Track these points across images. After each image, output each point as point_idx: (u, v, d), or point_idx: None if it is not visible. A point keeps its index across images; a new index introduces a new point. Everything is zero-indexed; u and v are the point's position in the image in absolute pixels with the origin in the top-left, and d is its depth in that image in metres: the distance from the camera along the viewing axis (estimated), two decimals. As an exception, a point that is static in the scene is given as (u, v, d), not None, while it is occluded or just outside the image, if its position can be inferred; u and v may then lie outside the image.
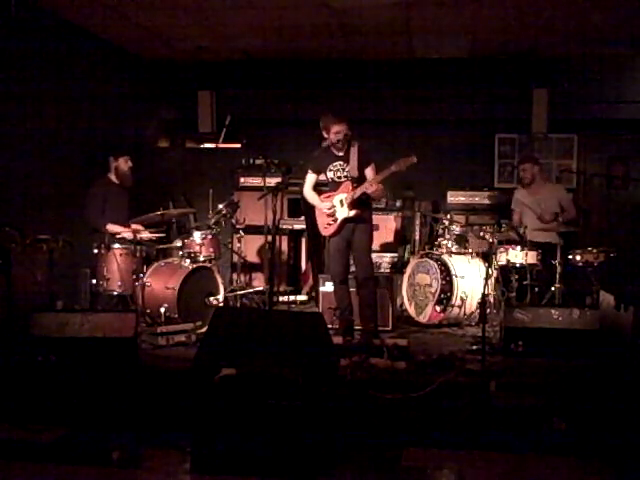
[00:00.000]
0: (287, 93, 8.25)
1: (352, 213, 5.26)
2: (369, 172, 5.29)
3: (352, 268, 5.54)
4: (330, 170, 5.37)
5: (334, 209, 5.32)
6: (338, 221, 5.31)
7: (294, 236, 7.65)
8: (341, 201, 5.29)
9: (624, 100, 7.71)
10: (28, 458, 3.46)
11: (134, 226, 5.89)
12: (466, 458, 3.46)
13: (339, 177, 5.34)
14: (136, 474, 3.40)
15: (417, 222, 7.46)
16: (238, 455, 3.51)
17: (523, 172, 6.58)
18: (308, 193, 5.55)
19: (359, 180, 5.27)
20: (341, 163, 5.32)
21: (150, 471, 3.45)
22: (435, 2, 6.03)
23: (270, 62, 8.11)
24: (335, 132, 5.21)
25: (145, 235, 6.02)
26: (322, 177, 5.53)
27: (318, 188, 5.59)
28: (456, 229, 6.35)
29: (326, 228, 5.41)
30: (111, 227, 5.94)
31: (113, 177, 6.21)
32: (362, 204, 5.30)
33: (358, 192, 5.21)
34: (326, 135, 5.29)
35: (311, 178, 5.53)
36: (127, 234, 5.84)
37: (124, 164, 6.19)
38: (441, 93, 7.99)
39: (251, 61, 8.09)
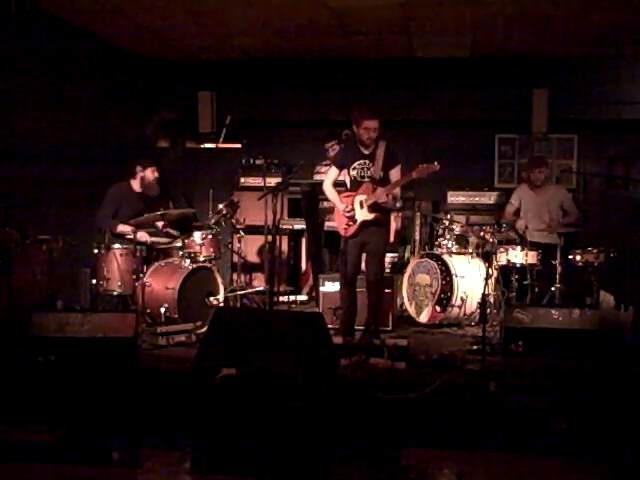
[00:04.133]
0: (287, 93, 8.25)
1: (372, 216, 5.15)
2: (394, 174, 5.18)
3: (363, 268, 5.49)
4: (354, 168, 5.22)
5: (353, 211, 5.21)
6: (357, 223, 5.20)
7: (294, 236, 7.65)
8: (361, 202, 5.18)
9: (624, 100, 7.71)
10: (28, 458, 3.46)
11: (140, 234, 5.89)
12: (466, 458, 3.47)
13: (362, 177, 5.21)
14: (136, 474, 3.40)
15: (417, 222, 7.45)
16: (238, 455, 3.51)
17: (538, 174, 6.48)
18: (329, 189, 5.38)
19: (382, 182, 5.15)
20: (366, 162, 5.18)
21: (150, 471, 3.46)
22: (435, 2, 6.02)
23: (270, 62, 8.11)
24: (365, 127, 5.08)
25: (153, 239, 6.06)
26: (340, 177, 5.45)
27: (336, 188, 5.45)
28: (456, 229, 6.35)
29: (345, 229, 5.28)
30: (122, 227, 5.93)
31: (135, 184, 6.19)
32: (381, 207, 5.20)
33: (371, 200, 5.10)
34: (355, 129, 5.16)
35: (334, 173, 5.37)
36: (140, 234, 5.82)
37: (151, 174, 6.19)
38: (441, 93, 7.99)
39: (251, 61, 8.09)
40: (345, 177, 5.51)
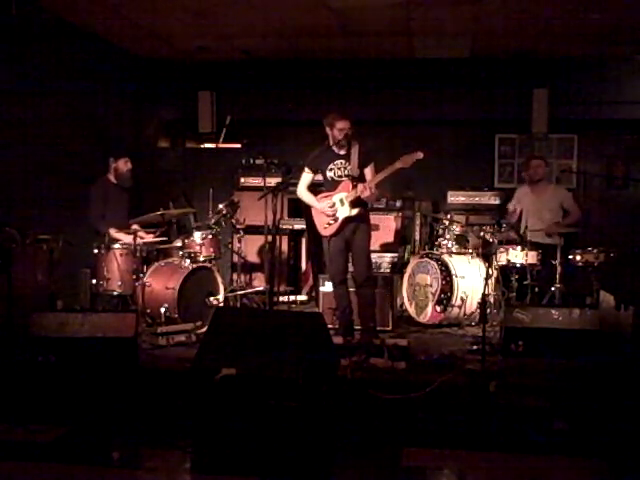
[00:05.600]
0: (287, 93, 8.24)
1: (354, 212, 5.19)
2: (368, 172, 5.25)
3: (350, 268, 5.51)
4: (330, 169, 5.29)
5: (334, 208, 5.25)
6: (339, 221, 5.23)
7: (294, 236, 7.65)
8: (341, 200, 5.23)
9: (624, 100, 7.71)
10: (28, 458, 3.46)
11: (134, 227, 5.89)
12: (466, 458, 3.47)
13: (339, 176, 5.27)
14: (136, 474, 3.40)
15: (417, 222, 7.46)
16: (238, 455, 3.51)
17: (536, 168, 6.44)
18: (304, 193, 5.45)
19: (359, 179, 5.22)
20: (342, 162, 5.26)
21: (150, 471, 3.46)
22: (435, 2, 6.03)
23: (270, 62, 8.11)
24: (339, 128, 5.16)
25: (147, 239, 6.03)
26: (316, 177, 5.48)
27: (311, 188, 5.48)
28: (456, 229, 6.35)
29: (326, 228, 5.30)
30: (113, 233, 5.93)
31: (112, 177, 6.20)
32: (362, 203, 5.25)
33: (352, 196, 5.15)
34: (329, 132, 5.24)
35: (307, 177, 5.42)
36: (129, 239, 5.82)
37: (123, 165, 6.19)
38: (441, 93, 7.99)
39: (251, 61, 8.09)
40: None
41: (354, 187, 5.18)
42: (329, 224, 5.28)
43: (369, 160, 5.28)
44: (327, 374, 4.17)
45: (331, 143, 5.27)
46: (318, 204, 5.33)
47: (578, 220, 6.35)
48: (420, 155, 5.02)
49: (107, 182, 6.19)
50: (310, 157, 5.44)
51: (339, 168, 5.28)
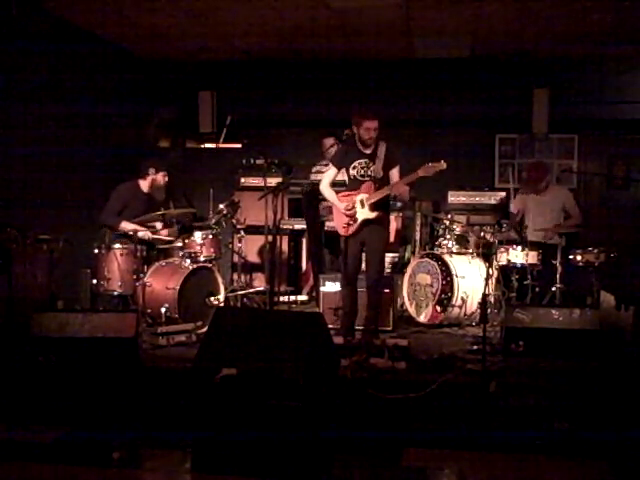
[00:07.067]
0: (287, 93, 8.25)
1: (373, 215, 5.13)
2: (394, 174, 5.19)
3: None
4: (354, 167, 5.20)
5: (354, 209, 5.19)
6: (358, 222, 5.18)
7: (294, 236, 7.64)
8: (362, 201, 5.16)
9: (624, 100, 7.71)
10: (28, 458, 3.47)
11: (141, 233, 5.87)
12: (466, 458, 3.47)
13: (362, 176, 5.19)
14: (136, 474, 3.41)
15: (418, 222, 7.44)
16: (238, 455, 3.51)
17: (535, 183, 6.51)
18: (326, 189, 5.36)
19: (382, 181, 5.15)
20: (367, 161, 5.17)
21: (150, 471, 3.46)
22: (435, 2, 6.03)
23: (270, 62, 8.11)
24: (366, 128, 5.08)
25: (163, 234, 6.04)
26: (339, 177, 5.43)
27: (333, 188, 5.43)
28: (457, 229, 6.35)
29: (344, 228, 5.25)
30: (125, 225, 5.92)
31: (144, 185, 6.18)
32: (382, 206, 5.19)
33: (381, 194, 5.09)
34: (355, 129, 5.17)
35: (332, 173, 5.34)
36: (142, 233, 5.83)
37: (162, 178, 6.22)
38: (441, 93, 8.00)
39: (251, 61, 8.09)
40: (343, 176, 5.49)
41: (376, 189, 5.14)
42: (348, 224, 5.23)
43: (395, 162, 5.22)
44: (327, 374, 4.18)
45: (357, 140, 5.20)
46: (339, 203, 5.27)
47: (578, 224, 6.36)
48: (444, 166, 4.95)
49: (136, 188, 6.16)
50: (336, 153, 5.38)
51: (362, 167, 5.20)
